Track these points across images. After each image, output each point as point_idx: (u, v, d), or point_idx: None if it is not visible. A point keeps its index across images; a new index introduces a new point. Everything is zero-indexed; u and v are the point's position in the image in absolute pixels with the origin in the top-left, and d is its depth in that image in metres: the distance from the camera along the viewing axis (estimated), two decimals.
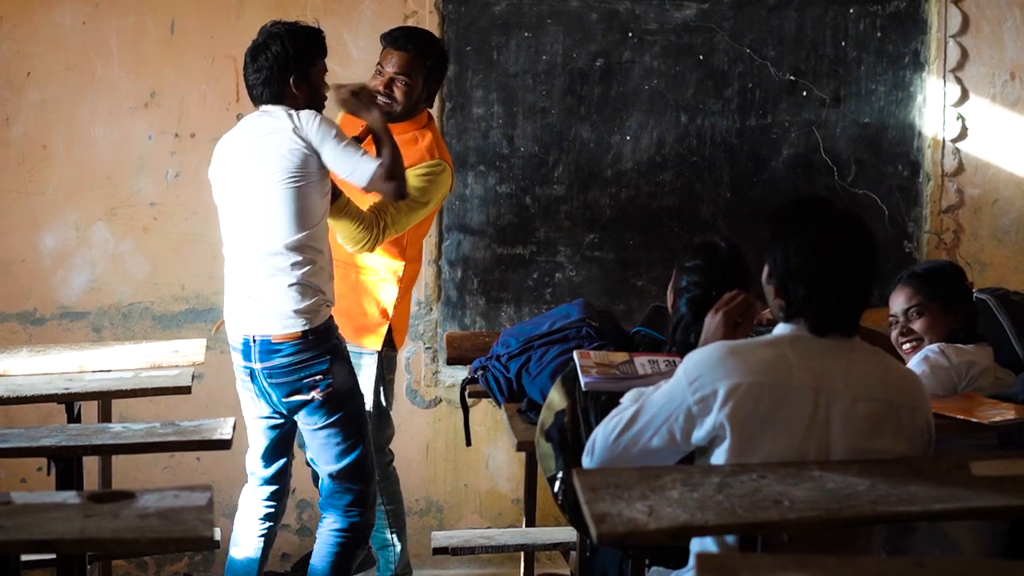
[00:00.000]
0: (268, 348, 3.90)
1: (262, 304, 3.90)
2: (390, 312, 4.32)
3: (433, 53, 4.34)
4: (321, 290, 3.91)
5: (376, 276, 4.32)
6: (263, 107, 3.95)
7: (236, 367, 4.03)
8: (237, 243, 3.98)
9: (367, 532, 4.11)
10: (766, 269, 2.87)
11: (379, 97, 4.24)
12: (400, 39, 4.31)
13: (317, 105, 3.99)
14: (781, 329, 2.87)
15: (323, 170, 3.88)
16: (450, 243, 5.04)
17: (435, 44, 4.41)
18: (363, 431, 4.02)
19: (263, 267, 3.90)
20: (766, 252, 2.86)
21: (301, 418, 3.98)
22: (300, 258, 3.87)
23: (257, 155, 3.89)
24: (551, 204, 5.07)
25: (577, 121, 5.05)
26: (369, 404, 4.29)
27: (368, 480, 4.05)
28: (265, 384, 3.93)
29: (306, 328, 3.88)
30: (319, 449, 4.00)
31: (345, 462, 3.99)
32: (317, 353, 3.90)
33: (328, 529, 4.08)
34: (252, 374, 3.95)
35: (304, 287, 3.87)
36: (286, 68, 3.90)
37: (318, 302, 3.90)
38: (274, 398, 3.95)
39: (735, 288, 3.47)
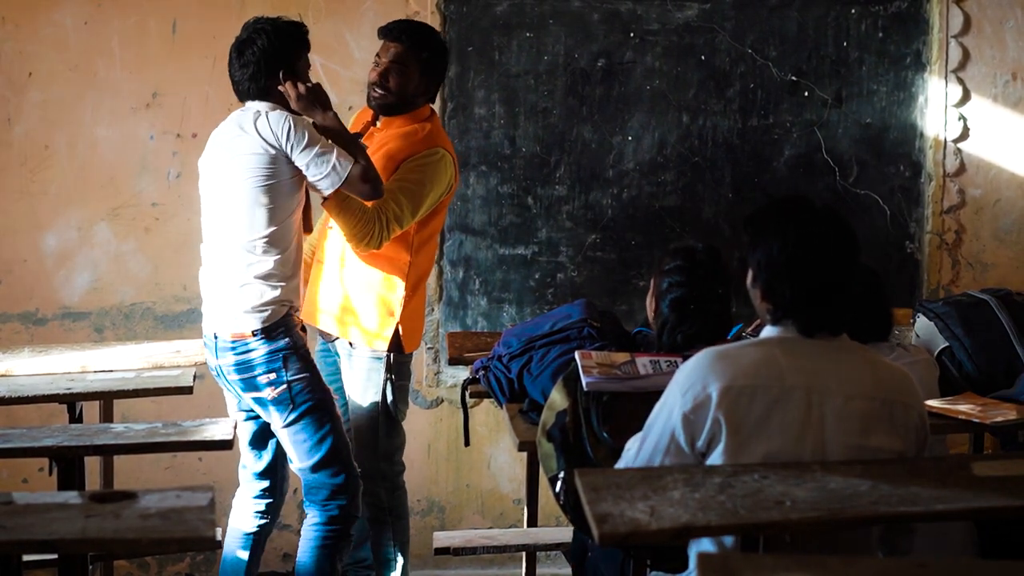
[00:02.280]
0: (223, 346, 3.92)
1: (219, 302, 3.93)
2: (397, 312, 4.21)
3: (428, 46, 4.25)
4: (276, 289, 3.89)
5: (380, 274, 4.22)
6: (248, 103, 3.94)
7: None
8: (207, 240, 4.00)
9: (348, 525, 4.07)
10: (750, 273, 2.86)
11: (374, 89, 4.24)
12: (395, 30, 4.25)
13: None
14: (769, 332, 2.86)
15: (292, 169, 3.86)
16: (452, 243, 5.04)
17: (431, 37, 4.32)
18: (332, 425, 3.98)
19: (222, 265, 3.92)
20: (749, 256, 2.85)
21: (266, 418, 3.98)
22: (256, 258, 3.86)
23: (228, 153, 3.90)
24: (553, 204, 5.07)
25: (579, 121, 5.05)
26: (375, 410, 4.24)
27: (343, 472, 4.01)
28: (227, 381, 3.95)
29: (255, 328, 3.88)
30: (289, 447, 4.00)
31: (316, 457, 3.97)
32: (269, 351, 3.89)
33: (309, 524, 4.08)
34: (216, 370, 3.97)
35: (258, 288, 3.87)
36: (273, 63, 3.89)
37: (270, 301, 3.88)
38: (238, 394, 3.97)
39: (715, 288, 3.48)
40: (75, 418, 4.11)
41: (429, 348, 5.06)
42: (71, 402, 4.07)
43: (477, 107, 5.01)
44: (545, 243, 5.08)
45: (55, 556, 3.45)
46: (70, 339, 4.88)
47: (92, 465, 4.20)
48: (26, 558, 2.94)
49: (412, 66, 4.22)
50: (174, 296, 4.99)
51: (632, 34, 5.04)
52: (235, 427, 3.74)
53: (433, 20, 4.90)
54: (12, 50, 4.84)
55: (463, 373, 4.61)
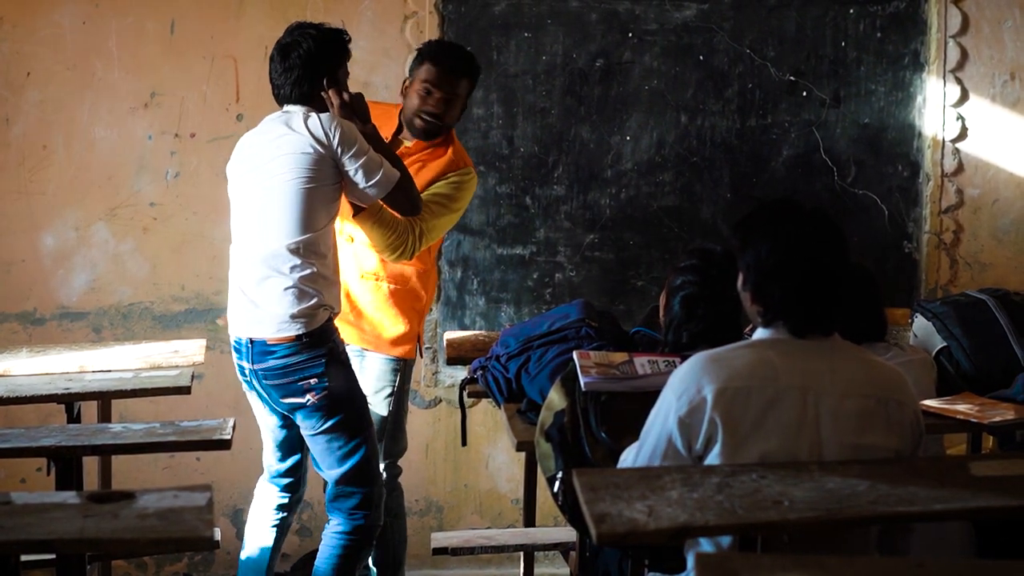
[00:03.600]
0: (263, 350, 3.88)
1: (259, 306, 3.89)
2: (416, 320, 4.32)
3: (476, 78, 4.36)
4: (319, 294, 3.87)
5: (407, 285, 4.28)
6: (287, 107, 3.93)
7: (236, 367, 4.02)
8: (242, 242, 3.97)
9: (372, 534, 4.08)
10: (741, 276, 2.87)
11: (426, 117, 4.22)
12: (460, 66, 4.26)
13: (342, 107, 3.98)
14: (760, 333, 2.87)
15: (335, 175, 3.85)
16: (450, 243, 5.04)
17: (479, 69, 4.40)
18: (365, 433, 3.98)
19: (262, 268, 3.88)
20: (739, 259, 2.86)
21: (299, 422, 3.96)
22: (299, 261, 3.84)
23: (271, 155, 3.86)
24: (551, 204, 5.07)
25: (577, 121, 5.05)
26: (385, 413, 4.25)
27: (372, 483, 4.02)
28: (261, 385, 3.93)
29: (301, 332, 3.85)
30: (320, 453, 3.98)
31: (347, 466, 3.97)
32: (312, 356, 3.87)
33: (332, 531, 4.06)
34: (250, 375, 3.95)
35: (301, 291, 3.84)
36: (318, 68, 3.89)
37: (314, 306, 3.86)
38: (272, 399, 3.95)
39: (727, 290, 3.48)
40: (73, 418, 4.11)
41: (428, 348, 5.05)
42: (69, 402, 4.06)
43: (475, 107, 5.00)
44: (543, 243, 5.09)
45: (53, 556, 3.45)
46: (68, 339, 4.88)
47: (90, 465, 4.20)
48: (24, 558, 2.93)
49: (465, 98, 4.31)
50: (172, 296, 4.99)
51: (630, 34, 5.04)
52: (233, 428, 3.73)
53: (431, 20, 4.90)
54: (10, 50, 4.84)
55: (461, 373, 4.62)
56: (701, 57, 5.07)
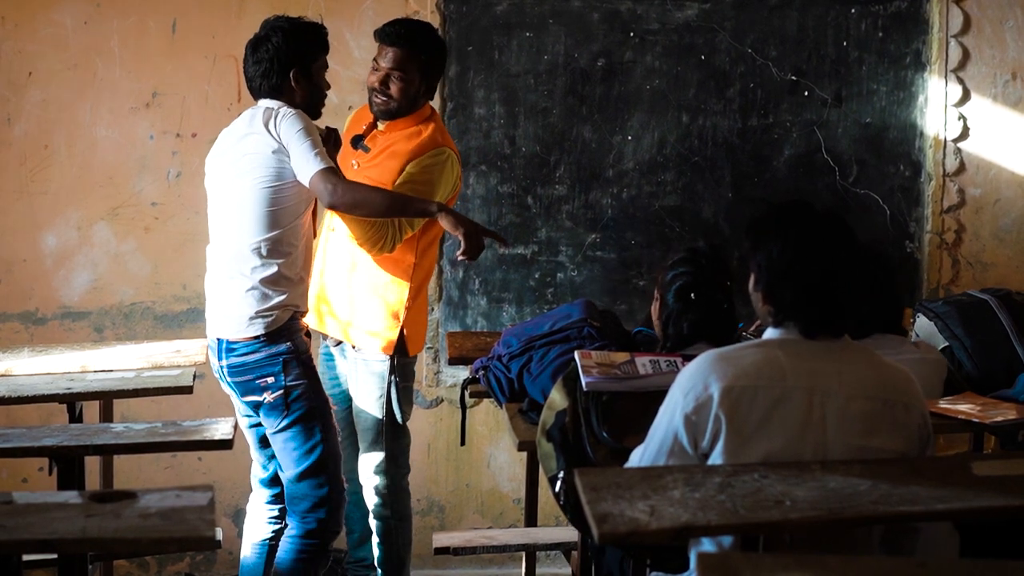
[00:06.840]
0: (225, 347, 3.90)
1: (224, 306, 3.91)
2: (401, 316, 4.19)
3: (427, 46, 4.19)
4: (282, 294, 3.86)
5: (385, 277, 4.19)
6: (260, 101, 3.93)
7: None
8: (213, 242, 3.99)
9: (327, 540, 4.02)
10: (752, 277, 2.88)
11: (376, 95, 4.20)
12: (392, 34, 4.17)
13: (316, 101, 3.97)
14: (771, 334, 2.87)
15: None
16: (452, 243, 5.04)
17: (428, 37, 4.25)
18: (324, 435, 3.95)
19: (227, 269, 3.90)
20: (751, 260, 2.87)
21: (262, 420, 3.97)
22: (260, 262, 3.84)
23: (235, 154, 3.87)
24: (553, 204, 5.07)
25: (579, 121, 5.05)
26: (380, 413, 4.24)
27: (328, 485, 3.97)
28: (228, 383, 3.94)
29: (259, 333, 3.86)
30: (279, 453, 3.97)
31: (302, 467, 3.94)
32: (270, 354, 3.88)
33: (287, 535, 4.04)
34: (218, 372, 3.97)
35: (262, 293, 3.85)
36: (286, 62, 3.87)
37: (275, 306, 3.86)
38: (238, 396, 3.96)
39: (719, 279, 3.50)
40: (75, 418, 4.11)
41: (429, 348, 5.05)
42: (71, 402, 4.07)
43: (477, 107, 5.01)
44: (545, 243, 5.09)
45: (55, 556, 3.45)
46: (70, 339, 4.88)
47: (92, 465, 4.20)
48: (26, 558, 2.93)
49: (412, 69, 4.17)
50: (174, 296, 4.99)
51: (632, 34, 5.04)
52: (235, 428, 3.74)
53: (433, 20, 4.90)
54: (12, 49, 4.85)
55: (463, 373, 4.61)
56: (703, 57, 5.07)
